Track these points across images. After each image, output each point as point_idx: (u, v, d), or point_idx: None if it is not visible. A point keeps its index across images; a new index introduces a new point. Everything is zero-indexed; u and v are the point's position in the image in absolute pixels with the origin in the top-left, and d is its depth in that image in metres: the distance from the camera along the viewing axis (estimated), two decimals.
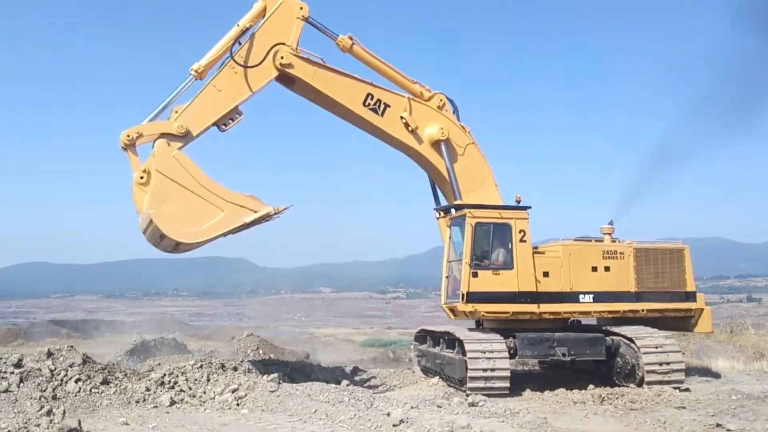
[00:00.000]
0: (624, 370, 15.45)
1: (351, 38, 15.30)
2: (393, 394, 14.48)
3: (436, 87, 16.17)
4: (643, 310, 16.22)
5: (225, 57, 14.07)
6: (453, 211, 15.59)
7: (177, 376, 13.15)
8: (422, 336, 17.79)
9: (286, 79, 14.85)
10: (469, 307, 14.71)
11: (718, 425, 10.94)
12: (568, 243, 16.19)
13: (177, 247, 13.60)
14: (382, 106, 15.31)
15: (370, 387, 15.23)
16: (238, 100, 14.15)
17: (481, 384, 14.00)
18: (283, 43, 14.37)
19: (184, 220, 13.01)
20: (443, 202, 16.77)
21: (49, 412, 10.87)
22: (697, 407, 12.81)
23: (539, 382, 15.85)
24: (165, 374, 13.20)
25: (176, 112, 13.80)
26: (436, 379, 16.08)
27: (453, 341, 15.15)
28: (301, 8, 14.61)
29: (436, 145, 15.82)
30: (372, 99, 15.22)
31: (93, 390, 12.44)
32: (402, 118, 15.44)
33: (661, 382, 14.77)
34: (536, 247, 15.94)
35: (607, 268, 16.04)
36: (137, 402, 12.33)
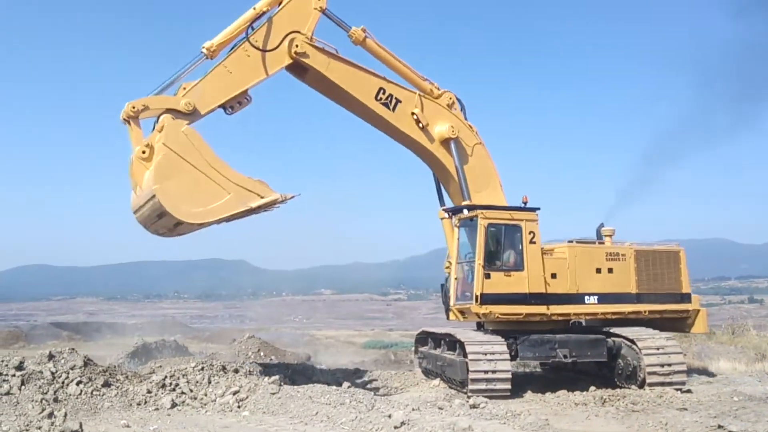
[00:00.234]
0: (625, 372, 15.44)
1: (364, 30, 15.13)
2: (394, 396, 14.47)
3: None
4: (645, 312, 16.37)
5: (238, 39, 13.77)
6: (465, 211, 15.41)
7: (178, 379, 13.14)
8: (423, 338, 17.78)
9: (297, 68, 14.57)
10: (484, 309, 14.64)
11: (719, 427, 10.93)
12: (574, 245, 16.23)
13: (175, 228, 13.08)
14: (394, 101, 15.19)
15: (371, 389, 15.21)
16: (249, 84, 13.84)
17: (482, 386, 13.98)
18: (299, 32, 14.12)
19: (188, 198, 12.39)
20: (448, 202, 16.71)
21: (51, 415, 10.87)
22: (698, 409, 12.79)
23: (540, 383, 15.84)
24: (166, 376, 13.19)
25: (184, 88, 13.37)
26: (437, 381, 16.04)
27: (454, 343, 15.14)
28: None
29: (445, 143, 15.76)
30: (384, 93, 15.08)
31: (94, 392, 12.43)
32: (413, 114, 15.34)
33: (662, 384, 14.75)
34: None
35: (610, 270, 16.11)
36: (138, 404, 12.32)
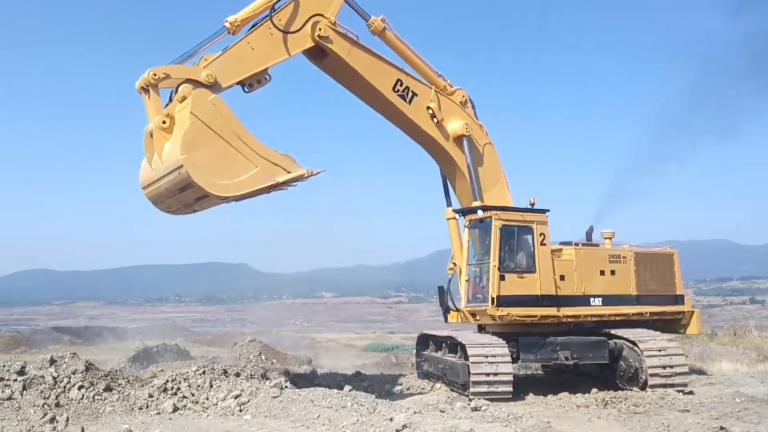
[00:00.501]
0: (627, 374, 15.44)
1: (384, 21, 15.04)
2: (396, 399, 14.45)
3: None
4: (646, 313, 16.48)
5: (261, 16, 13.55)
6: (480, 212, 15.38)
7: (180, 383, 13.13)
8: (424, 340, 17.76)
9: (316, 52, 14.37)
10: (502, 311, 14.66)
11: (722, 428, 10.92)
12: (580, 247, 16.29)
13: (194, 202, 12.67)
14: (410, 94, 15.11)
15: (372, 392, 15.19)
16: (270, 63, 13.60)
17: (483, 388, 13.97)
18: (323, 15, 13.94)
19: (216, 170, 11.89)
20: (454, 202, 16.67)
21: (53, 420, 10.89)
22: (700, 410, 12.78)
23: (542, 386, 15.83)
24: (168, 380, 13.17)
25: (206, 59, 13.03)
26: (438, 384, 16.04)
27: (455, 346, 15.13)
28: None
29: (458, 140, 15.77)
30: (401, 85, 15.00)
31: (96, 397, 12.41)
32: (429, 108, 15.28)
33: (664, 386, 14.76)
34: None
35: (612, 272, 16.27)
36: (140, 408, 12.31)
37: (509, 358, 14.45)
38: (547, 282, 15.21)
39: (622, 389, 15.19)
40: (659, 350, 15.06)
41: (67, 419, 11.04)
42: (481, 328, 16.09)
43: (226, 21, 13.29)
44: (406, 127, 15.66)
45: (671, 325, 17.12)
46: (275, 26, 13.43)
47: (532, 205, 15.71)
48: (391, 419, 10.35)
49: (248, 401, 12.34)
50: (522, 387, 15.04)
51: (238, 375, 13.86)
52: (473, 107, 16.31)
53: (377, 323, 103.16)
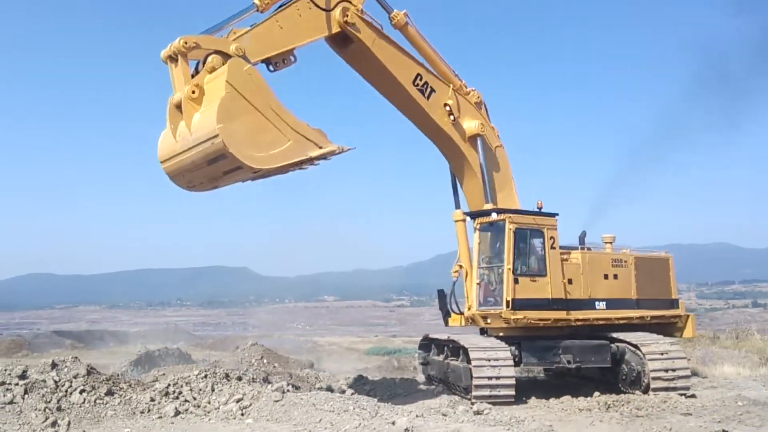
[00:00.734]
0: (629, 377, 15.41)
1: (406, 15, 15.02)
2: (398, 403, 14.44)
3: None
4: (648, 317, 16.51)
5: None
6: (494, 215, 15.37)
7: (181, 386, 13.12)
8: (427, 344, 17.75)
9: (338, 40, 14.33)
10: (518, 315, 14.65)
11: (724, 431, 10.90)
12: (586, 251, 16.31)
13: (222, 176, 12.35)
14: (429, 90, 15.10)
15: (374, 396, 15.18)
16: (296, 43, 13.42)
17: (486, 392, 13.95)
18: (350, 2, 13.90)
19: (251, 142, 11.52)
20: (463, 203, 16.57)
21: (54, 424, 10.90)
22: (703, 413, 12.76)
23: (544, 389, 15.80)
24: (169, 384, 13.16)
25: (234, 33, 12.71)
26: (440, 388, 16.02)
27: (458, 349, 15.10)
28: None
29: (473, 139, 15.80)
30: (420, 80, 14.97)
31: (97, 401, 12.41)
32: (446, 105, 15.29)
33: (666, 389, 14.74)
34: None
35: (615, 276, 16.35)
36: (142, 413, 12.30)
37: (511, 362, 14.42)
38: (558, 286, 15.24)
39: (625, 393, 15.16)
40: (661, 354, 15.04)
41: (69, 423, 11.04)
42: (483, 332, 16.06)
43: None
44: (421, 123, 15.62)
45: (667, 328, 17.18)
46: (314, 2, 13.33)
47: (540, 208, 15.72)
48: (393, 423, 10.34)
49: (250, 405, 12.33)
50: (524, 390, 15.02)
51: (240, 379, 13.85)
52: (486, 110, 16.37)
53: (379, 327, 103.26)
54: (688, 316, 17.67)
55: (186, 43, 11.96)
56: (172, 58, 12.19)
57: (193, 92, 11.90)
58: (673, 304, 17.39)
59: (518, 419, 11.41)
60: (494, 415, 11.68)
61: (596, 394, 14.89)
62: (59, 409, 11.90)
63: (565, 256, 15.89)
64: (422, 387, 16.95)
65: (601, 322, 15.98)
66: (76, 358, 14.01)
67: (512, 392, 14.13)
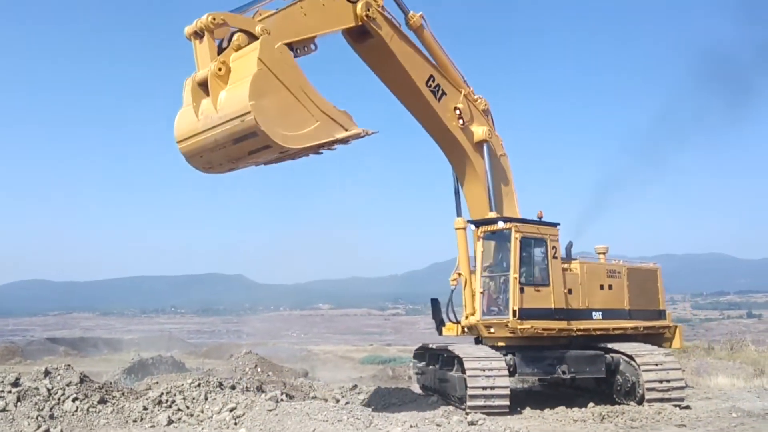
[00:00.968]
0: (624, 388, 15.40)
1: (422, 17, 15.10)
2: (392, 413, 14.39)
3: None
4: (641, 327, 16.59)
5: None
6: (501, 223, 15.39)
7: (174, 395, 13.07)
8: (421, 353, 17.71)
9: (356, 34, 14.24)
10: (525, 324, 14.63)
11: None
12: (585, 261, 16.38)
13: (247, 156, 12.06)
14: (440, 92, 15.16)
15: (368, 405, 15.14)
16: (318, 31, 13.31)
17: (480, 402, 13.91)
18: None
19: (281, 120, 11.36)
20: (464, 210, 16.51)
21: None
22: (697, 425, 12.76)
23: (539, 400, 15.78)
24: (162, 393, 13.12)
25: (260, 14, 12.54)
26: (435, 397, 15.97)
27: (452, 359, 15.06)
28: None
29: (479, 145, 15.91)
30: (433, 81, 15.04)
31: (90, 409, 12.35)
32: (456, 109, 15.36)
33: (661, 400, 14.73)
34: None
35: (610, 287, 16.41)
36: (135, 421, 12.25)
37: (506, 372, 14.39)
38: (559, 295, 15.28)
39: (619, 403, 15.14)
40: (656, 365, 15.05)
41: (61, 431, 10.98)
42: (478, 341, 16.04)
43: None
44: (430, 124, 15.66)
45: (656, 339, 17.21)
46: None
47: (540, 218, 15.77)
48: None
49: (243, 414, 12.28)
50: (519, 401, 14.99)
51: (233, 387, 13.81)
52: (491, 118, 16.53)
53: (374, 335, 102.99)
54: (675, 327, 17.83)
55: (214, 19, 11.77)
56: (198, 35, 11.96)
57: (220, 69, 11.63)
58: (661, 314, 17.55)
59: (513, 430, 11.38)
60: (489, 426, 11.64)
61: (591, 404, 14.87)
62: (52, 417, 11.84)
63: (565, 266, 15.93)
64: (417, 396, 16.91)
65: (599, 332, 16.02)
66: (69, 365, 13.95)
67: (507, 402, 14.09)
